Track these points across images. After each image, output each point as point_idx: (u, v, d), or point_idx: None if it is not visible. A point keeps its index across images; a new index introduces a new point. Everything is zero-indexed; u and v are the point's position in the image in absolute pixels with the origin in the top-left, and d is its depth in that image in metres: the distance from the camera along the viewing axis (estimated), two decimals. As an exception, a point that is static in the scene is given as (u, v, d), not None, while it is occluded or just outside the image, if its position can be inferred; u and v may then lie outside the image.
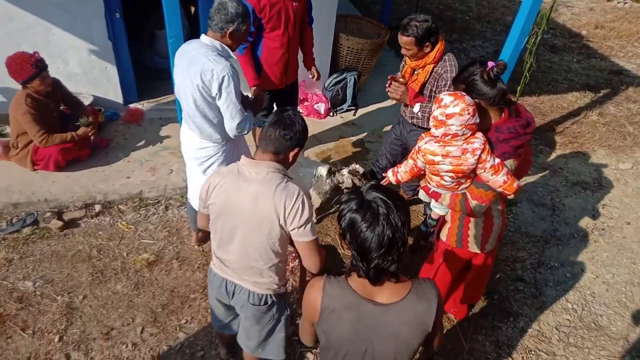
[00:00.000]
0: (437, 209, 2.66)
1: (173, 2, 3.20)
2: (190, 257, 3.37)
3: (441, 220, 2.73)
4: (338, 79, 4.97)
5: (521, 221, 4.09)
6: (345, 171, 3.47)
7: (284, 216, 1.86)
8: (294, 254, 3.37)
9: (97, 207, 3.61)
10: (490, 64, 2.21)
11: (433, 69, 2.97)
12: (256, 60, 3.40)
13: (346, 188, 3.53)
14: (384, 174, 2.83)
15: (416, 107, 3.06)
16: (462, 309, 3.15)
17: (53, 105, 3.68)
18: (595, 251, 3.89)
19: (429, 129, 3.25)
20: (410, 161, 2.54)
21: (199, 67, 2.44)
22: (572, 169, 4.79)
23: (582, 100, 6.06)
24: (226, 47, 2.53)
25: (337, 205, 3.90)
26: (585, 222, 4.17)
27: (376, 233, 1.35)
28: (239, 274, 2.09)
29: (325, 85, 5.04)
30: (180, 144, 2.96)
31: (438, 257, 2.80)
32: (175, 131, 4.34)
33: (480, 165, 2.27)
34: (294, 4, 3.28)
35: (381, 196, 1.39)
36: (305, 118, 4.71)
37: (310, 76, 3.83)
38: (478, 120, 2.20)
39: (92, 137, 3.82)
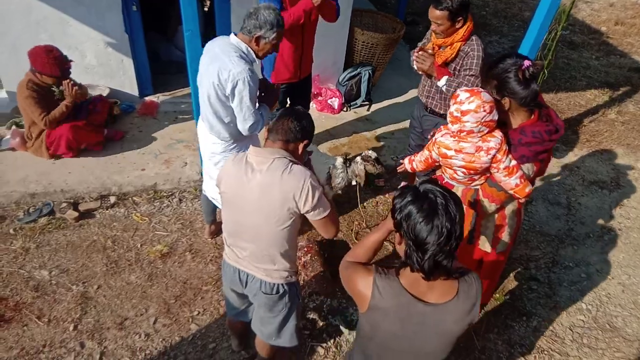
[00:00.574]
0: None
1: (189, -4, 3.20)
2: (203, 250, 3.40)
3: None
4: (352, 73, 4.94)
5: (536, 220, 4.04)
6: (358, 158, 3.47)
7: (295, 202, 1.88)
8: (305, 249, 3.38)
9: (112, 199, 3.64)
10: (527, 62, 2.13)
11: (460, 47, 2.96)
12: (270, 58, 3.39)
13: (358, 178, 3.51)
14: (400, 161, 2.83)
15: (442, 81, 3.06)
16: None
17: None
18: (611, 252, 3.83)
19: (440, 114, 3.25)
20: (425, 152, 2.53)
21: (218, 65, 2.45)
22: (589, 167, 4.71)
23: (601, 98, 5.95)
24: (252, 52, 2.53)
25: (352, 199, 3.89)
26: (601, 222, 4.10)
27: (435, 223, 1.33)
28: (251, 263, 2.11)
29: (340, 80, 5.02)
30: (197, 136, 2.99)
31: None
32: (190, 124, 4.37)
33: (494, 165, 2.24)
34: None
35: (437, 188, 1.39)
36: (319, 113, 4.74)
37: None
38: (496, 117, 2.16)
39: (77, 94, 3.67)
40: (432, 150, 2.45)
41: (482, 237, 2.58)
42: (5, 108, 4.08)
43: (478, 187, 2.42)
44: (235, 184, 1.96)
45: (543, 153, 2.28)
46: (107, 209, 3.61)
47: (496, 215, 2.51)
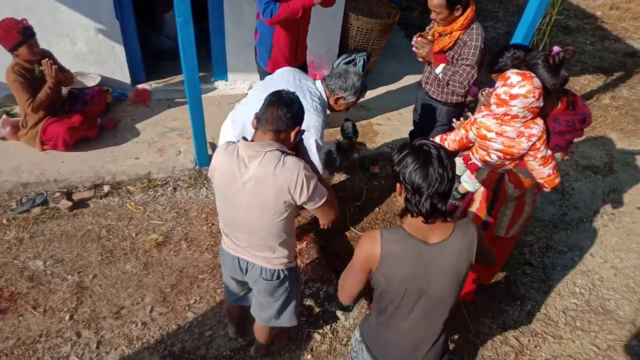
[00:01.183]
0: (467, 184, 2.56)
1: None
2: (198, 238, 3.39)
3: (468, 199, 2.65)
4: (347, 60, 4.89)
5: (530, 205, 4.06)
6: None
7: (291, 195, 1.87)
8: (301, 236, 3.38)
9: (106, 188, 3.62)
10: (556, 48, 2.08)
11: (459, 35, 2.94)
12: (268, 42, 3.36)
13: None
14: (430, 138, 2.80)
15: (439, 68, 3.08)
16: (470, 292, 3.14)
17: (43, 78, 3.56)
18: (604, 236, 3.87)
19: (438, 100, 3.24)
20: (462, 131, 2.46)
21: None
22: (583, 152, 4.73)
23: (595, 83, 5.95)
24: (326, 103, 2.71)
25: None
26: (594, 207, 4.14)
27: (429, 170, 1.51)
28: (250, 252, 2.10)
29: (334, 66, 4.98)
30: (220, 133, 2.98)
31: None
32: (183, 112, 4.32)
33: (531, 153, 2.19)
34: None
35: (430, 142, 1.58)
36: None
37: None
38: (542, 105, 2.10)
39: (57, 73, 3.54)
40: (470, 130, 2.37)
41: (498, 222, 2.56)
42: (-5, 96, 4.03)
43: (504, 172, 2.38)
44: (228, 179, 1.92)
45: (572, 143, 2.27)
46: (101, 199, 3.59)
47: (515, 202, 2.49)
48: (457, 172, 2.66)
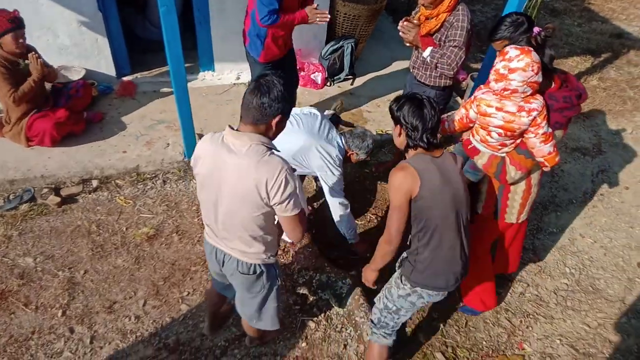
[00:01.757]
0: (469, 174, 2.57)
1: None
2: (190, 230, 3.37)
3: (475, 192, 2.62)
4: (335, 47, 4.86)
5: (520, 188, 4.08)
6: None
7: (266, 191, 1.81)
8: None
9: (95, 183, 3.58)
10: (537, 29, 2.12)
11: (445, 18, 2.95)
12: (262, 33, 3.35)
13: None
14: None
15: (427, 52, 3.08)
16: (492, 299, 2.99)
17: (27, 72, 3.51)
18: (593, 216, 3.91)
19: (427, 84, 3.22)
20: (462, 110, 2.45)
21: (317, 145, 2.81)
22: (572, 134, 4.75)
23: (583, 65, 5.97)
24: (341, 158, 2.93)
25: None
26: (583, 188, 4.17)
27: (424, 112, 1.97)
28: (227, 243, 2.08)
29: (322, 54, 4.94)
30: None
31: (476, 232, 2.64)
32: (170, 104, 4.27)
33: (532, 129, 2.20)
34: None
35: (419, 93, 2.06)
36: (302, 88, 4.64)
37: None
38: (540, 80, 2.11)
39: (43, 67, 3.49)
40: (471, 109, 2.37)
41: (509, 210, 2.54)
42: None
43: (504, 154, 2.37)
44: (212, 165, 1.89)
45: (570, 120, 2.27)
46: (89, 194, 3.55)
47: (524, 186, 2.48)
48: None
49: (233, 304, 2.46)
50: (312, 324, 2.90)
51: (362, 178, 4.00)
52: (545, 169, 2.36)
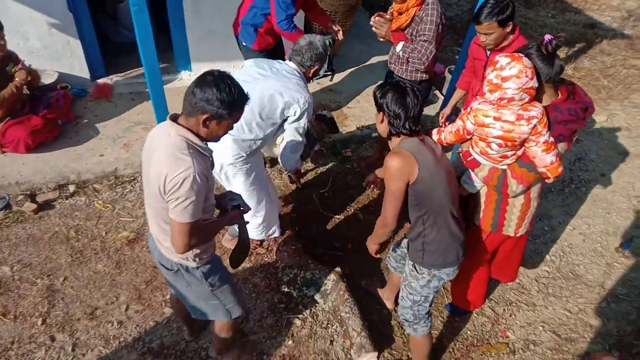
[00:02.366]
0: (467, 185, 2.47)
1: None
2: (171, 233, 3.33)
3: (472, 203, 2.55)
4: (312, 43, 4.84)
5: (500, 178, 4.13)
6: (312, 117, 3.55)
7: (164, 183, 1.71)
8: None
9: (72, 188, 3.51)
10: (548, 37, 2.04)
11: (415, 12, 2.96)
12: (259, 20, 3.46)
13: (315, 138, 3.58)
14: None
15: (399, 47, 3.12)
16: (480, 301, 2.96)
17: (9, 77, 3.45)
18: (571, 204, 3.98)
19: (403, 79, 3.20)
20: (458, 122, 2.37)
21: (282, 84, 2.57)
22: (549, 124, 4.82)
23: (557, 55, 6.06)
24: (305, 79, 2.77)
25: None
26: (561, 176, 4.23)
27: (407, 100, 2.00)
28: (152, 228, 2.01)
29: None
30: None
31: (474, 244, 2.57)
32: (147, 106, 4.21)
33: (533, 138, 2.12)
34: None
35: (402, 80, 2.11)
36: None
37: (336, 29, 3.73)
38: (536, 85, 2.04)
39: (28, 76, 3.49)
40: (467, 120, 2.28)
41: (507, 222, 2.45)
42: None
43: (506, 167, 2.28)
44: (149, 147, 1.85)
45: (575, 132, 2.19)
46: (66, 199, 3.48)
47: (522, 200, 2.39)
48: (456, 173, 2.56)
49: None
50: (297, 322, 2.90)
51: (343, 174, 4.00)
52: (547, 180, 2.25)
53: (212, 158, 1.91)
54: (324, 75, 4.98)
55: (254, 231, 3.00)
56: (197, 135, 1.77)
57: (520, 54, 2.06)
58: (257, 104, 2.54)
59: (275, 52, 3.71)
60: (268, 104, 2.57)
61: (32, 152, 3.61)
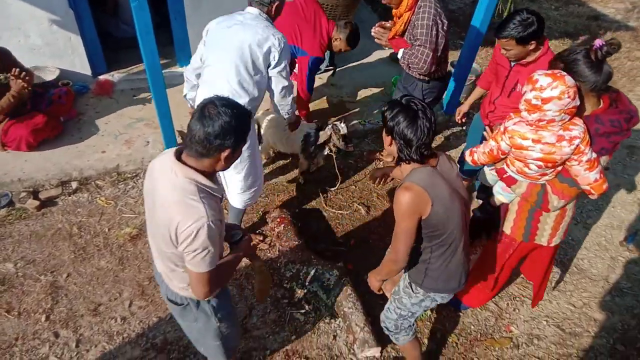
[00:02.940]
0: (501, 196, 2.38)
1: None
2: (173, 229, 3.33)
3: (503, 210, 2.45)
4: (314, 38, 4.81)
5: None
6: (328, 129, 3.45)
7: (175, 232, 1.59)
8: (278, 219, 3.36)
9: (74, 184, 3.51)
10: (599, 42, 1.90)
11: (409, 17, 2.97)
12: None
13: (333, 147, 3.52)
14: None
15: (399, 54, 3.17)
16: (487, 298, 2.94)
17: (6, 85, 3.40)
18: (575, 197, 3.95)
19: (413, 76, 3.17)
20: (492, 142, 2.25)
21: (255, 35, 2.51)
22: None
23: (561, 48, 5.98)
24: (270, 19, 2.67)
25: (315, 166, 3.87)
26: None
27: (418, 124, 1.78)
28: (157, 262, 1.88)
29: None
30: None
31: (503, 253, 2.50)
32: (148, 102, 4.21)
33: (575, 157, 2.00)
34: None
35: (416, 99, 1.83)
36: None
37: None
38: (578, 103, 1.90)
39: (25, 82, 3.40)
40: (502, 141, 2.15)
41: (539, 232, 2.35)
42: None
43: (544, 182, 2.17)
44: (151, 181, 1.71)
45: (618, 144, 2.09)
46: (69, 196, 3.48)
47: (558, 211, 2.27)
48: (489, 182, 2.49)
49: None
50: (300, 317, 2.90)
51: (346, 169, 3.99)
52: (591, 196, 2.13)
53: (222, 196, 1.79)
54: (326, 71, 4.98)
55: (247, 194, 2.93)
56: (209, 174, 1.65)
57: (562, 72, 1.91)
58: (241, 63, 2.54)
59: None
60: (250, 58, 2.55)
61: (35, 149, 3.61)
